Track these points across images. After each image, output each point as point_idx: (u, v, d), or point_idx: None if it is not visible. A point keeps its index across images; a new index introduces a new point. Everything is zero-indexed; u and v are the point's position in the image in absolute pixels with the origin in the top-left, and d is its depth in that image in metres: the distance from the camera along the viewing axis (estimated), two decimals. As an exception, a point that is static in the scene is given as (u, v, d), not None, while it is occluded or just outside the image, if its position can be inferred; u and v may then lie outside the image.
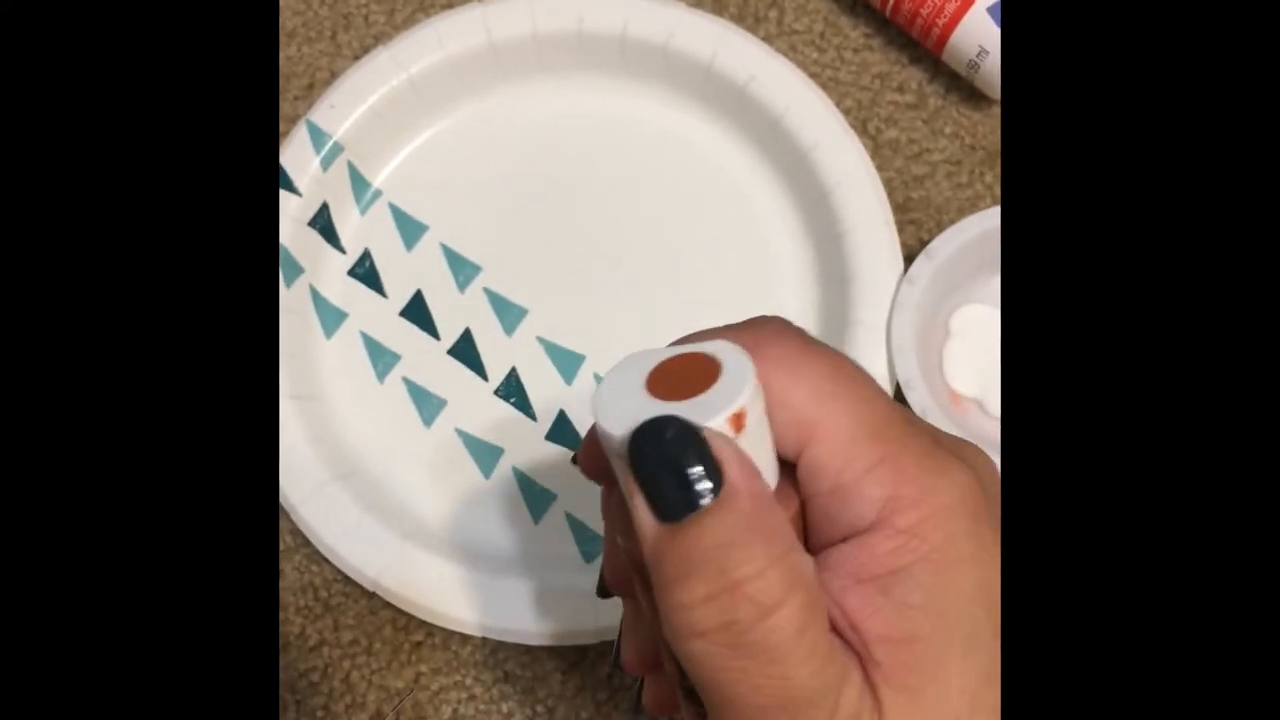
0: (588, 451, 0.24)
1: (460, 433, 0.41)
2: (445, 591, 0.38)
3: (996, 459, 0.36)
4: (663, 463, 0.20)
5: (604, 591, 0.27)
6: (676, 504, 0.20)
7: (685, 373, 0.21)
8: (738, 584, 0.19)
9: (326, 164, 0.42)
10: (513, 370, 0.41)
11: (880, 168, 0.41)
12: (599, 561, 0.39)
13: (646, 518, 0.20)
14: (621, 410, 0.20)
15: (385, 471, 0.41)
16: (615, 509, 0.23)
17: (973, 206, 0.42)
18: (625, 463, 0.20)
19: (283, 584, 0.40)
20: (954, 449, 0.22)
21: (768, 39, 0.43)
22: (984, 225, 0.38)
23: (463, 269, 0.42)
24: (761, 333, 0.22)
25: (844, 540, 0.21)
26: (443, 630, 0.39)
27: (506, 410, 0.41)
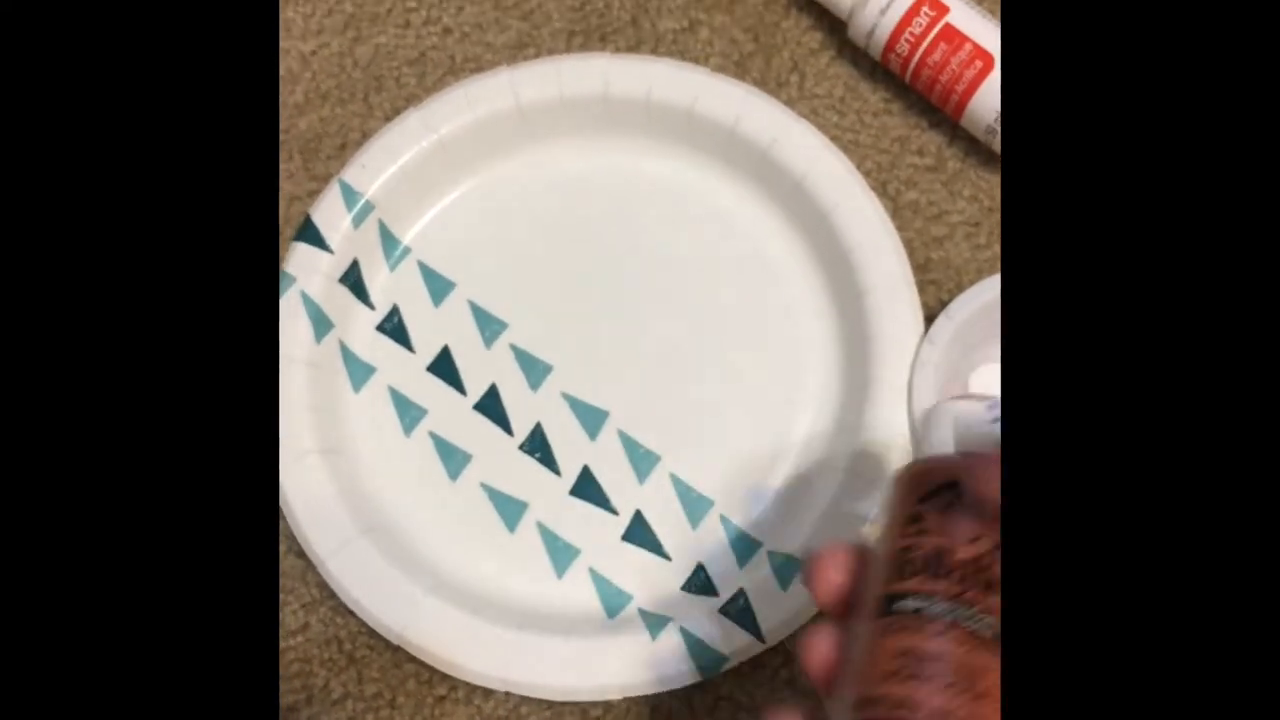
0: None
1: (485, 487, 0.41)
2: (469, 646, 0.38)
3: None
4: None
5: None
6: None
7: None
8: None
9: (358, 222, 0.43)
10: (538, 425, 0.42)
11: (900, 229, 0.42)
12: (622, 616, 0.39)
13: None
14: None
15: (411, 525, 0.41)
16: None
17: (991, 267, 0.43)
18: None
19: (307, 636, 0.40)
20: None
21: (789, 103, 0.44)
22: (1003, 286, 0.39)
23: (489, 325, 0.43)
24: None
25: None
26: (466, 685, 0.39)
27: (531, 465, 0.41)
